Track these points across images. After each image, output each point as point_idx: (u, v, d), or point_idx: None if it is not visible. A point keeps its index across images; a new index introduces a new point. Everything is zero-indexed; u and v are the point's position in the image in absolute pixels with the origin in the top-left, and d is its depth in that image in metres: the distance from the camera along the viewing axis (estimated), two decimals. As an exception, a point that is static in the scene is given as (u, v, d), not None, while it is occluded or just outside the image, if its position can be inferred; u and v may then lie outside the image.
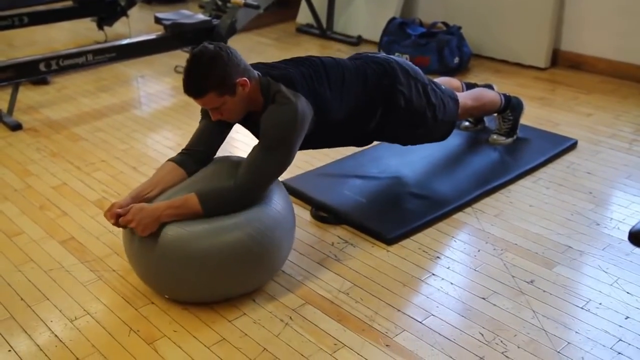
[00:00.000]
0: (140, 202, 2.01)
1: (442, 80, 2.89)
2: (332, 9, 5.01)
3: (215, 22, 4.19)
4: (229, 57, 1.98)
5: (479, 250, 2.35)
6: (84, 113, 3.66)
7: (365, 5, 4.94)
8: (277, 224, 2.03)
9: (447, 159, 2.95)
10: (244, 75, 2.02)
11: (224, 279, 1.99)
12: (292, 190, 2.65)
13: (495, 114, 3.08)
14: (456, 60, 4.20)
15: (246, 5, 4.10)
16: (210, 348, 1.89)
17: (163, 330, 1.96)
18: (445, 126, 2.64)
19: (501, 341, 1.90)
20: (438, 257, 2.31)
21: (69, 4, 4.87)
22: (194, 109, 3.68)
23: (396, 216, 2.51)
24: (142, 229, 1.93)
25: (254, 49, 4.82)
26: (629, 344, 1.88)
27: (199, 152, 2.18)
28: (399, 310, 2.03)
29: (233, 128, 2.25)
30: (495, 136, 3.09)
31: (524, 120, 3.16)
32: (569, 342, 1.89)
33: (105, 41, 4.59)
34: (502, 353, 1.85)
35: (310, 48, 4.83)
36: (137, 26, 5.23)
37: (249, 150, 2.07)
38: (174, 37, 4.03)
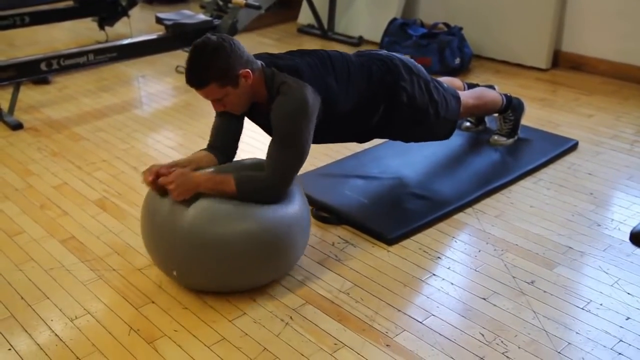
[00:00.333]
0: None
1: (445, 80, 2.88)
2: (333, 10, 5.01)
3: (217, 22, 4.19)
4: (232, 49, 1.98)
5: (479, 251, 2.34)
6: (85, 113, 3.66)
7: (366, 6, 4.94)
8: (294, 220, 2.05)
9: (448, 159, 2.95)
10: (247, 67, 2.01)
11: (235, 267, 1.99)
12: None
13: (497, 115, 3.08)
14: (457, 61, 4.20)
15: (247, 5, 4.10)
16: (210, 347, 1.88)
17: (163, 330, 1.95)
18: (448, 124, 2.64)
19: (502, 341, 1.90)
20: (439, 257, 2.31)
21: (70, 3, 4.86)
22: (195, 108, 3.68)
23: (397, 216, 2.51)
24: (179, 192, 1.95)
25: (255, 49, 4.76)
26: (630, 345, 1.88)
27: (221, 147, 2.21)
28: (399, 311, 2.03)
29: (245, 126, 2.26)
30: (496, 137, 3.09)
31: (525, 121, 3.15)
32: (569, 343, 1.89)
33: (107, 41, 4.59)
34: (503, 353, 1.85)
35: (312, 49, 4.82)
36: (138, 26, 5.23)
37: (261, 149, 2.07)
38: (175, 37, 4.03)
